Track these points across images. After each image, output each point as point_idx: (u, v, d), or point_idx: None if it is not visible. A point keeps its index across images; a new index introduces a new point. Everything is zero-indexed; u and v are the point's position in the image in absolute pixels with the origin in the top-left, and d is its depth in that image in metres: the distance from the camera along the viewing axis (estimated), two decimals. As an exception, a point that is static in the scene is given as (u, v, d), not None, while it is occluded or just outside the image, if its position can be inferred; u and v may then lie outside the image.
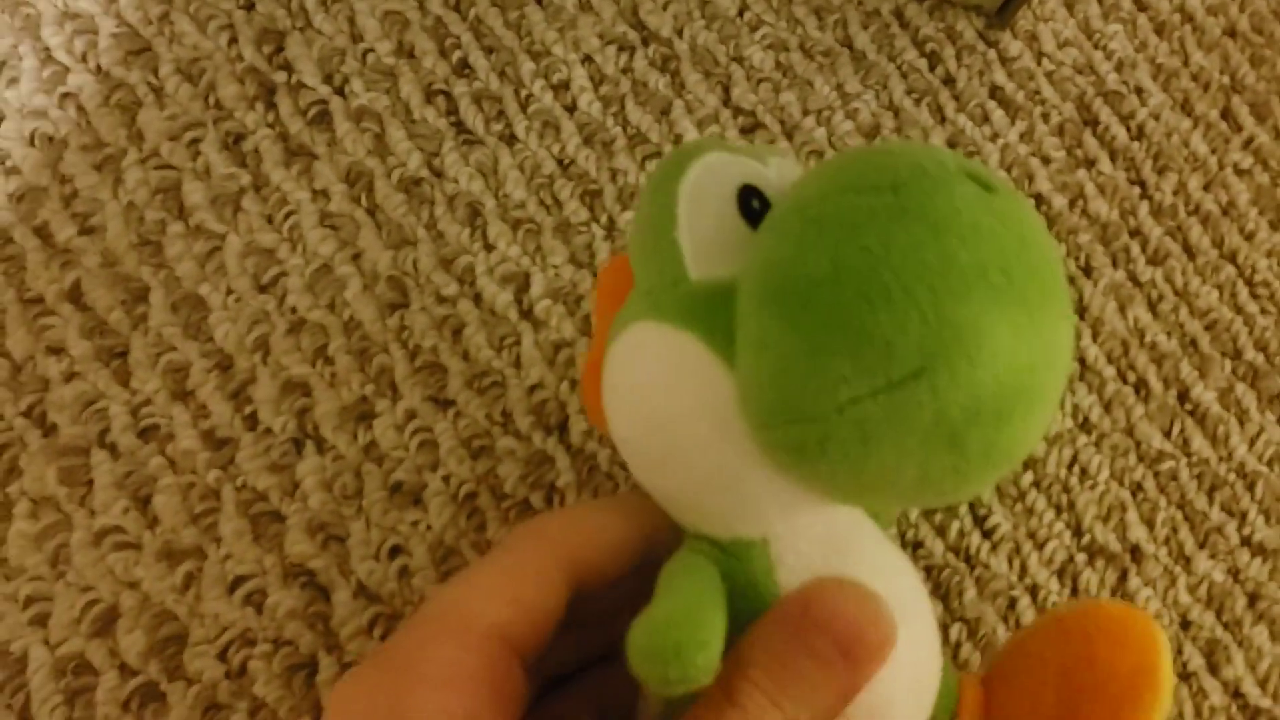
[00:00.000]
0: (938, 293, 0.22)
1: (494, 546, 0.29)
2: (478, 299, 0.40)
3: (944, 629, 0.39)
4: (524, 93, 0.42)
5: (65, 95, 0.40)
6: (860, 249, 0.23)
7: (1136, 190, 0.45)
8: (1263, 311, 0.45)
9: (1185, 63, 0.48)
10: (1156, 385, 0.43)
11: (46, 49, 0.40)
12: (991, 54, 0.46)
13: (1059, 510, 0.41)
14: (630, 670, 0.24)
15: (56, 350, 0.38)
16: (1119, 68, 0.47)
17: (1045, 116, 0.46)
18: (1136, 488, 0.42)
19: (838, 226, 0.24)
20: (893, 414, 0.23)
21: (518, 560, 0.27)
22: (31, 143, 0.39)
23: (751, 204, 0.28)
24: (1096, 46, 0.47)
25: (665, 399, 0.27)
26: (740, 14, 0.45)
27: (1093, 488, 0.41)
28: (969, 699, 0.30)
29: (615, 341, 0.28)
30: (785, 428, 0.24)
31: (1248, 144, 0.47)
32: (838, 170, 0.25)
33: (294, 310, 0.39)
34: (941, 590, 0.39)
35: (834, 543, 0.28)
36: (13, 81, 0.40)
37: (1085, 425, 0.42)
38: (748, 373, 0.25)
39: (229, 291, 0.39)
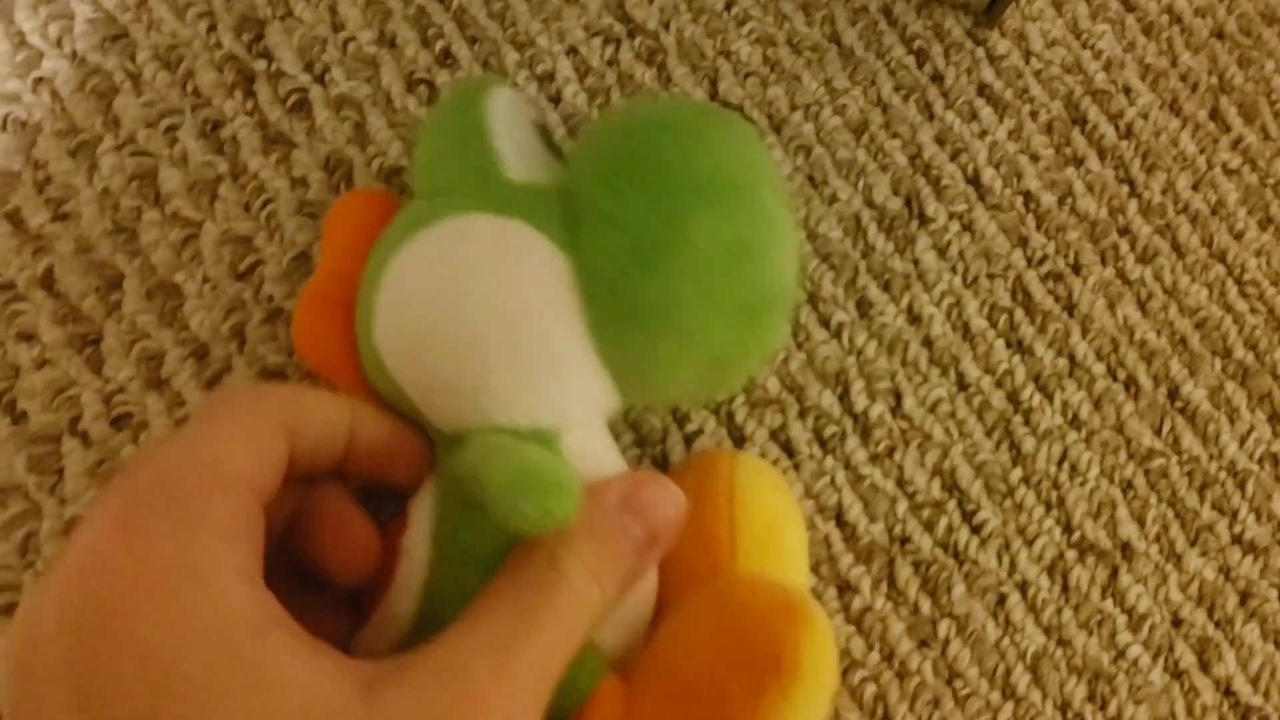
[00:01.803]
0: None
1: (218, 400, 0.29)
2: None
3: (932, 625, 0.38)
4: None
5: (39, 80, 0.39)
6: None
7: (1125, 188, 0.45)
8: (1252, 310, 0.44)
9: (1173, 63, 0.47)
10: (1146, 383, 0.43)
11: (20, 33, 0.39)
12: (980, 52, 0.46)
13: (1049, 507, 0.40)
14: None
15: (28, 337, 0.37)
16: (1107, 67, 0.47)
17: (1033, 114, 0.45)
18: (1127, 485, 0.41)
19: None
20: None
21: (255, 415, 0.28)
22: (4, 127, 0.39)
23: (550, 138, 0.36)
24: (1085, 46, 0.47)
25: (500, 281, 0.30)
26: (727, 8, 0.44)
27: (1083, 484, 0.41)
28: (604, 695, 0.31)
29: (418, 238, 0.31)
30: (636, 291, 0.30)
31: (1236, 144, 0.47)
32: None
33: (270, 299, 0.38)
34: (930, 586, 0.39)
35: (604, 447, 0.33)
36: (-13, 66, 0.39)
37: (1075, 422, 0.42)
38: (597, 241, 0.30)
39: (205, 279, 0.38)
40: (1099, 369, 0.42)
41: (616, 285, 0.30)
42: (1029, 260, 0.43)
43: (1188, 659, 0.40)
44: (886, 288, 0.42)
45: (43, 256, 0.38)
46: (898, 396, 0.41)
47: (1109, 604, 0.40)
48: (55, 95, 0.39)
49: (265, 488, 0.27)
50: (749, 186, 0.31)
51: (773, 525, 0.34)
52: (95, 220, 0.38)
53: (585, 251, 0.30)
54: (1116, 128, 0.46)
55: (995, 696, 0.38)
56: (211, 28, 0.41)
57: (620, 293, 0.30)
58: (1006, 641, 0.39)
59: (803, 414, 0.40)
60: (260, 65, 0.40)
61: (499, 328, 0.30)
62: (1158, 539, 0.41)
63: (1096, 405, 0.42)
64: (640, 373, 0.32)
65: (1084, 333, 0.43)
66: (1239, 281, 0.45)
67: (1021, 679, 0.38)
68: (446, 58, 0.42)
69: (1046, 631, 0.39)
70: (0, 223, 0.38)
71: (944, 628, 0.38)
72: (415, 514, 0.31)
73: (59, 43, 0.40)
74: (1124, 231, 0.44)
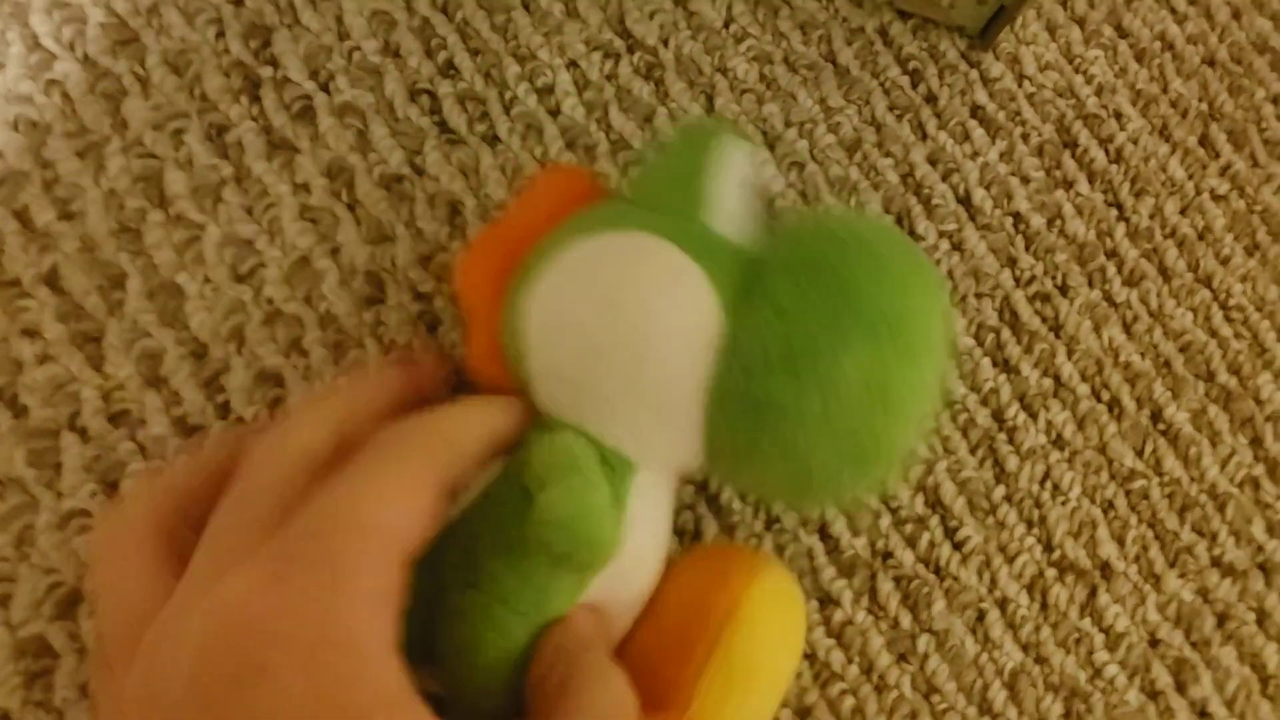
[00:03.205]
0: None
1: (393, 440, 0.29)
2: (453, 297, 0.40)
3: (912, 639, 0.39)
4: (508, 95, 0.43)
5: (51, 82, 0.40)
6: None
7: (1114, 212, 0.46)
8: (1236, 335, 0.45)
9: (1164, 89, 0.48)
10: (1130, 404, 0.43)
11: (34, 36, 0.40)
12: (974, 74, 0.47)
13: (1030, 525, 0.41)
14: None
15: (31, 333, 0.38)
16: (1099, 92, 0.47)
17: (1025, 137, 0.46)
18: (1108, 505, 0.42)
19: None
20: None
21: (415, 474, 0.28)
22: (15, 128, 0.39)
23: (762, 203, 0.36)
24: (1077, 71, 0.48)
25: (655, 312, 0.30)
26: (726, 25, 0.45)
27: (1064, 504, 0.41)
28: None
29: (605, 237, 0.32)
30: (768, 384, 0.30)
31: (1224, 170, 0.47)
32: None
33: (270, 301, 0.39)
34: (910, 601, 0.39)
35: (661, 499, 0.33)
36: (-1, 67, 0.40)
37: (1058, 442, 0.42)
38: (758, 322, 0.30)
39: (206, 280, 0.39)
40: (1083, 390, 0.43)
41: (753, 370, 0.30)
42: (1017, 280, 0.44)
43: (1164, 679, 0.40)
44: (876, 305, 0.42)
45: (48, 254, 0.38)
46: (884, 412, 0.41)
47: (1087, 623, 0.40)
48: (66, 97, 0.40)
49: (413, 546, 0.27)
50: (920, 347, 0.31)
51: (753, 667, 0.33)
52: (101, 220, 0.39)
53: (743, 326, 0.30)
54: (1107, 152, 0.47)
55: (972, 712, 0.39)
56: (220, 34, 0.41)
57: (753, 379, 0.30)
58: (985, 658, 0.39)
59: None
60: (266, 72, 0.41)
61: (634, 351, 0.30)
62: (1137, 559, 0.41)
63: (1080, 425, 0.43)
64: (734, 457, 0.32)
65: (1069, 353, 0.43)
66: (1224, 306, 0.45)
67: (999, 695, 0.39)
68: (449, 69, 0.42)
69: (1024, 648, 0.40)
70: (8, 220, 0.38)
71: (923, 642, 0.39)
72: (476, 477, 0.31)
73: (71, 46, 0.40)
74: (1111, 254, 0.45)
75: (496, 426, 0.31)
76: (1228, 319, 0.45)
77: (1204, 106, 0.48)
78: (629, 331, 0.30)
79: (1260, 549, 0.42)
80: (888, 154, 0.45)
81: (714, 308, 0.31)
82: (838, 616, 0.39)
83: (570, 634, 0.30)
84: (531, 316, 0.32)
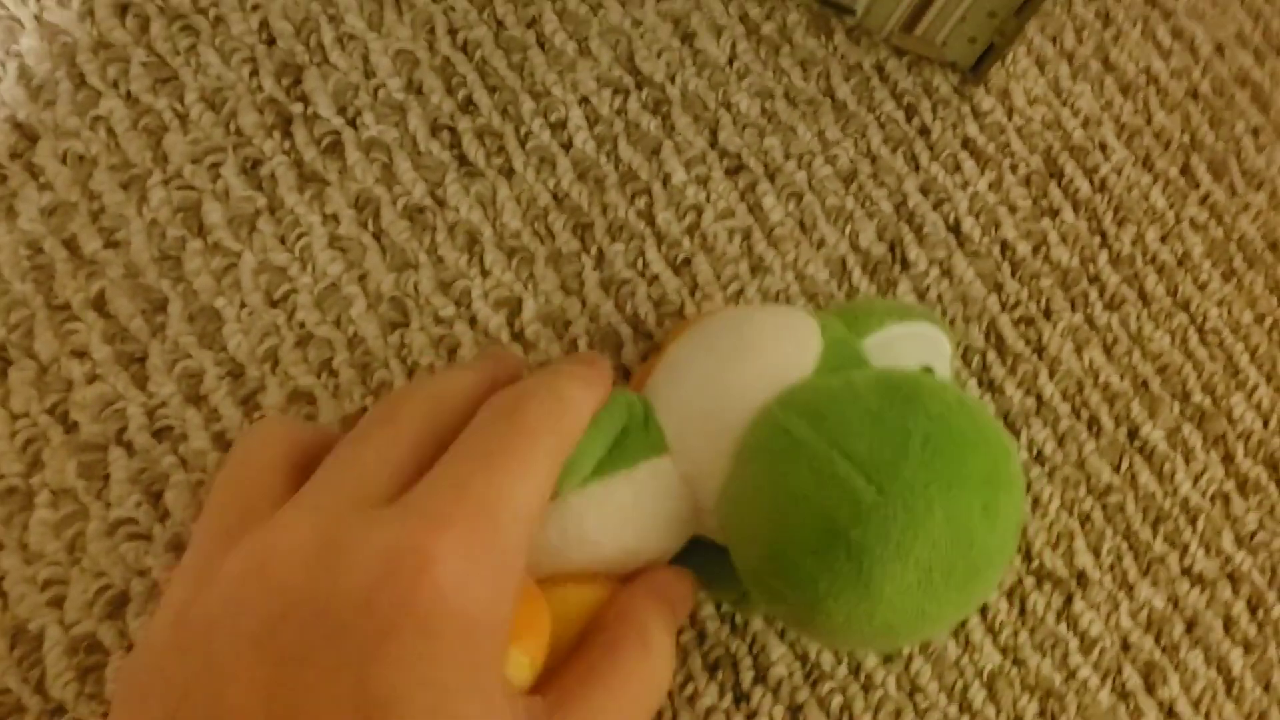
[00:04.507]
0: None
1: (519, 415, 0.30)
2: (473, 321, 0.43)
3: (897, 643, 0.42)
4: (523, 130, 0.45)
5: (97, 118, 0.43)
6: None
7: (1097, 240, 0.48)
8: (1211, 357, 0.47)
9: (1148, 121, 0.51)
10: (1108, 423, 0.46)
11: (81, 74, 0.43)
12: (965, 108, 0.49)
13: (1010, 536, 0.44)
14: None
15: (80, 354, 0.41)
16: (1085, 124, 0.50)
17: (1014, 168, 0.49)
18: (1085, 518, 0.45)
19: None
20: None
21: (549, 447, 0.30)
22: (64, 161, 0.42)
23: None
24: (1065, 104, 0.50)
25: (767, 322, 0.35)
26: (729, 62, 0.48)
27: (1043, 516, 0.44)
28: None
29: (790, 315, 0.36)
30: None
31: (1204, 199, 0.50)
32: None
33: (302, 325, 0.42)
34: (896, 607, 0.42)
35: (670, 498, 0.33)
36: (49, 104, 0.43)
37: (1039, 458, 0.45)
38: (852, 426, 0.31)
39: (242, 305, 0.42)
40: (1064, 409, 0.46)
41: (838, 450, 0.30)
42: (1003, 305, 0.47)
43: (1134, 681, 0.43)
44: (868, 328, 0.45)
45: (95, 280, 0.41)
46: (874, 430, 0.44)
47: (1063, 628, 0.43)
48: (110, 132, 0.43)
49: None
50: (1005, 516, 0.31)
51: None
52: (144, 248, 0.42)
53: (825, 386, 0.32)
54: (1091, 182, 0.49)
55: (953, 710, 0.42)
56: (254, 72, 0.44)
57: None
58: (965, 660, 0.42)
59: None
60: (298, 108, 0.44)
61: (729, 345, 0.34)
62: (1111, 569, 0.44)
63: (1060, 443, 0.45)
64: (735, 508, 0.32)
65: (1051, 374, 0.46)
66: (1200, 330, 0.48)
67: (978, 695, 0.42)
68: (469, 105, 0.45)
69: (1003, 652, 0.42)
70: (58, 248, 0.41)
71: (907, 645, 0.42)
72: None
73: (115, 84, 0.43)
74: (1094, 280, 0.48)
75: (599, 399, 0.32)
76: (1203, 341, 0.48)
77: (1186, 138, 0.51)
78: (738, 337, 0.34)
79: (1229, 560, 0.45)
80: (882, 184, 0.47)
81: (811, 356, 0.33)
82: (828, 622, 0.42)
83: (638, 600, 0.32)
84: (681, 339, 0.36)
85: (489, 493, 0.26)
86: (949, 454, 0.29)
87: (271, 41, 0.45)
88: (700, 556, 0.35)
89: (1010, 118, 0.49)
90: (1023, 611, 0.43)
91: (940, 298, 0.46)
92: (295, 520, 0.26)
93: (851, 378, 0.32)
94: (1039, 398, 0.46)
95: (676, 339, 0.36)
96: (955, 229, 0.47)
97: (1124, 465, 0.45)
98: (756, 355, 0.33)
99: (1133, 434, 0.46)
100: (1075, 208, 0.49)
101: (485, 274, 0.43)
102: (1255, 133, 0.51)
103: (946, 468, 0.29)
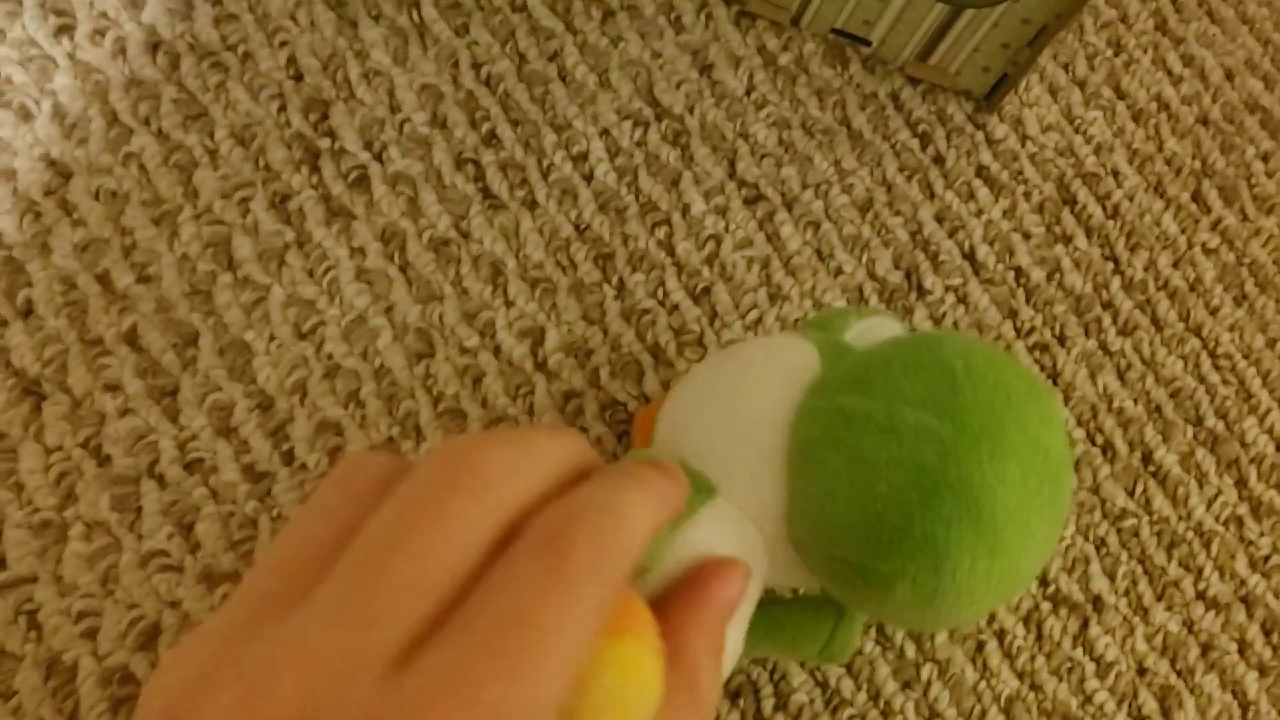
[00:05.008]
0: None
1: (588, 543, 0.24)
2: (497, 351, 0.44)
3: (916, 668, 0.42)
4: (546, 162, 0.46)
5: (128, 155, 0.44)
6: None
7: (1110, 266, 0.49)
8: (1224, 382, 0.48)
9: (1160, 148, 0.51)
10: (1122, 448, 0.46)
11: (114, 112, 0.44)
12: (979, 136, 0.50)
13: (1027, 562, 0.44)
14: None
15: (113, 388, 0.41)
16: (1097, 151, 0.51)
17: (1027, 195, 0.49)
18: (1100, 542, 0.45)
19: None
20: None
21: (607, 589, 0.25)
22: (96, 197, 0.43)
23: None
24: (1077, 131, 0.51)
25: (759, 348, 0.35)
26: (747, 93, 0.48)
27: (1060, 541, 0.45)
28: None
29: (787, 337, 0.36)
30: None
31: (1215, 225, 0.50)
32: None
33: (330, 357, 0.43)
34: (915, 632, 0.43)
35: (732, 532, 0.32)
36: (82, 141, 0.43)
37: (1054, 483, 0.45)
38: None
39: (271, 338, 0.43)
40: (1079, 434, 0.46)
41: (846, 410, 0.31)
42: (1018, 331, 0.47)
43: (1150, 705, 0.44)
44: (885, 356, 0.46)
45: (128, 315, 0.42)
46: (892, 457, 0.45)
47: (1079, 653, 0.44)
48: (142, 168, 0.44)
49: None
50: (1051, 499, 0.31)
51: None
52: (175, 283, 0.43)
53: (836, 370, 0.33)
54: (1104, 208, 0.50)
55: (972, 734, 0.42)
56: (282, 108, 0.45)
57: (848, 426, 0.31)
58: (983, 685, 0.43)
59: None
60: (325, 143, 0.45)
61: (732, 379, 0.34)
62: (1127, 593, 0.45)
63: (1075, 468, 0.46)
64: (807, 502, 0.32)
65: (1066, 400, 0.47)
66: (1213, 354, 0.48)
67: None
68: (492, 138, 0.46)
69: (1020, 676, 0.43)
70: (91, 283, 0.42)
71: (926, 671, 0.42)
72: None
73: (147, 121, 0.44)
74: (1107, 306, 0.48)
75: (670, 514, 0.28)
76: (1216, 366, 0.48)
77: (1197, 164, 0.51)
78: (733, 365, 0.34)
79: (1243, 583, 0.46)
80: (898, 213, 0.48)
81: (811, 355, 0.34)
82: (849, 647, 0.42)
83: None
84: (672, 393, 0.36)
85: (505, 705, 0.22)
86: (991, 377, 0.30)
87: (299, 77, 0.46)
88: (771, 621, 0.35)
89: (1024, 145, 0.50)
90: (1039, 636, 0.44)
91: (956, 324, 0.47)
92: (283, 670, 0.21)
93: (868, 350, 0.33)
94: (1054, 423, 0.46)
95: (663, 406, 0.36)
96: (970, 256, 0.48)
97: (1138, 490, 0.46)
98: (760, 375, 0.34)
99: (1147, 458, 0.47)
100: (1088, 234, 0.49)
101: (509, 304, 0.44)
102: (1265, 158, 0.52)
103: (995, 390, 0.30)
